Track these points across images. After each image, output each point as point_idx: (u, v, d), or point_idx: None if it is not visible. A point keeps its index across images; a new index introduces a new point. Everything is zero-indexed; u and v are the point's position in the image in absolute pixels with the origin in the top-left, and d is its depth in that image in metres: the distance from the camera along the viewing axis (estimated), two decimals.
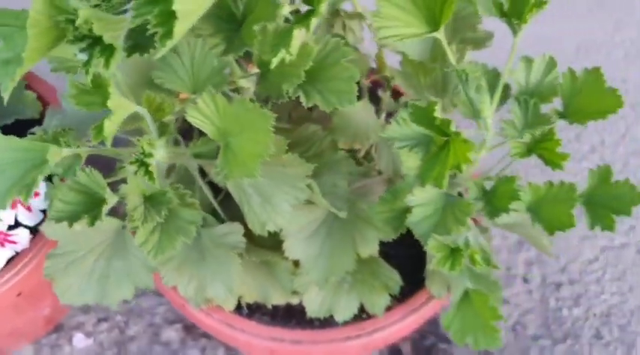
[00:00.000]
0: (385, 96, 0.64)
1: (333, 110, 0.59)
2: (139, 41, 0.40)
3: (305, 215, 0.60)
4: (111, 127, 0.42)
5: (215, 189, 0.68)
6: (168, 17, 0.34)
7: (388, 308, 0.69)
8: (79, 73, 0.43)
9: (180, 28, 0.34)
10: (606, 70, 1.34)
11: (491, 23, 0.71)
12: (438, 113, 0.45)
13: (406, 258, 0.74)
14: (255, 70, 0.58)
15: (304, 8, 0.44)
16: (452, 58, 0.52)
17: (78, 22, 0.36)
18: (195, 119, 0.47)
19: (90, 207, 0.49)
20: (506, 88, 0.57)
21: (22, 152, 0.46)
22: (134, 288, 0.62)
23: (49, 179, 0.67)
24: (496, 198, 0.52)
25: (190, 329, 1.00)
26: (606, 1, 1.40)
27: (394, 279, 0.63)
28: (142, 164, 0.47)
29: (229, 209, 0.65)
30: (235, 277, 0.60)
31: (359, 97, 0.61)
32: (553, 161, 0.50)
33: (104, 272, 0.63)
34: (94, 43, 0.38)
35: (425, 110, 0.45)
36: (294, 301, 0.67)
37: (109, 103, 0.40)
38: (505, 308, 1.02)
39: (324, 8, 0.36)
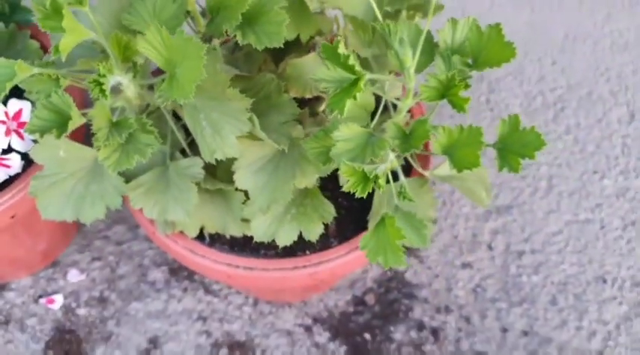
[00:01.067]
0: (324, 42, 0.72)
1: (288, 61, 0.68)
2: None
3: (255, 151, 0.68)
4: (66, 46, 0.50)
5: (188, 133, 0.77)
6: None
7: (336, 244, 0.77)
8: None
9: None
10: (591, 58, 1.40)
11: None
12: (341, 50, 0.53)
13: (358, 208, 0.82)
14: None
15: None
16: (379, 15, 0.60)
17: None
18: (144, 49, 0.56)
19: (60, 124, 0.58)
20: (433, 46, 0.64)
21: (9, 69, 0.55)
22: (105, 208, 0.72)
23: None
24: (412, 137, 0.60)
25: (175, 272, 1.09)
26: None
27: (329, 211, 0.71)
28: (98, 83, 0.56)
29: (197, 149, 0.74)
30: (192, 202, 0.69)
31: (310, 51, 0.70)
32: (458, 104, 0.57)
33: (81, 193, 0.72)
34: None
35: (333, 48, 0.53)
36: (250, 233, 0.76)
37: (64, 24, 0.49)
38: (468, 272, 1.09)
39: None
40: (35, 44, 0.87)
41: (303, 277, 0.77)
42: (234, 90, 0.60)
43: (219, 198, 0.74)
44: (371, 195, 0.70)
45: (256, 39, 0.56)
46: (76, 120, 0.57)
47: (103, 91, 0.55)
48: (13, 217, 0.83)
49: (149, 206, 0.71)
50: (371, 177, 0.56)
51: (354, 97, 0.52)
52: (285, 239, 0.70)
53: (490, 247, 1.13)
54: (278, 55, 0.77)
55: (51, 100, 0.58)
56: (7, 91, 0.54)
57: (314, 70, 0.70)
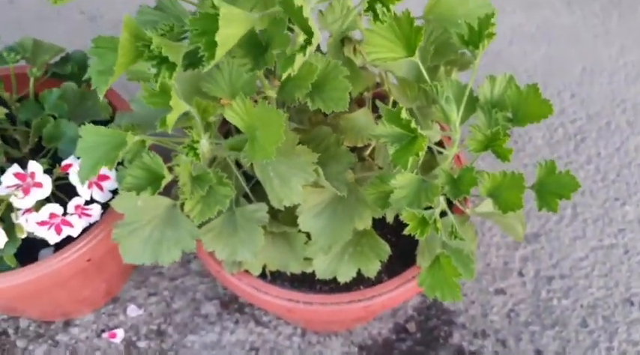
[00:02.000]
0: (380, 103, 0.81)
1: (341, 115, 0.76)
2: (192, 60, 0.57)
3: (316, 197, 0.76)
4: (171, 120, 0.59)
5: (247, 178, 0.85)
6: (211, 44, 0.51)
7: (386, 278, 0.85)
8: (149, 83, 0.61)
9: (219, 53, 0.51)
10: (608, 90, 1.48)
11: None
12: (404, 115, 0.61)
13: (406, 245, 0.89)
14: (277, 83, 0.75)
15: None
16: (427, 76, 0.68)
17: (152, 47, 0.53)
18: (230, 116, 0.64)
19: (152, 182, 0.66)
20: (474, 100, 0.72)
21: (106, 137, 0.63)
22: (181, 251, 0.80)
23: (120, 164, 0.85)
24: (461, 183, 0.67)
25: (226, 305, 1.17)
26: (612, 28, 1.53)
27: (384, 250, 0.79)
28: (192, 148, 0.64)
29: (258, 194, 0.82)
30: (259, 244, 0.77)
31: (361, 105, 0.78)
32: (502, 154, 0.65)
33: (158, 239, 0.80)
34: (162, 62, 0.55)
35: (395, 113, 0.61)
36: (309, 270, 0.84)
37: (171, 103, 0.57)
38: (501, 298, 1.16)
39: (316, 42, 0.53)
40: (105, 101, 0.96)
41: (357, 310, 0.85)
42: (302, 146, 0.68)
43: (281, 239, 0.81)
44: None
45: (324, 104, 0.64)
46: (167, 178, 0.66)
47: (196, 155, 0.64)
48: (88, 261, 0.91)
49: (219, 248, 0.79)
50: (430, 222, 0.64)
51: (417, 155, 0.60)
52: (344, 276, 0.78)
53: (521, 273, 1.19)
54: None
55: (143, 160, 0.66)
56: (120, 159, 0.63)
57: (366, 123, 0.78)
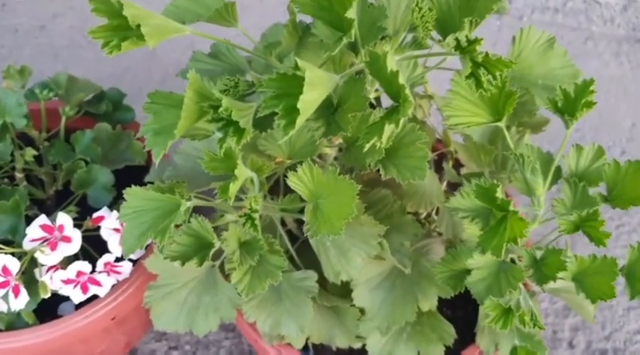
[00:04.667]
0: (448, 167, 0.73)
1: None
2: (259, 123, 0.50)
3: (372, 269, 0.69)
4: (234, 189, 0.52)
5: (291, 237, 0.78)
6: (292, 111, 0.44)
7: None
8: (209, 140, 0.54)
9: (300, 120, 0.44)
10: None
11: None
12: (499, 194, 0.53)
13: (456, 319, 0.81)
14: (338, 141, 0.68)
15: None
16: (511, 144, 0.61)
17: (221, 109, 0.46)
18: (294, 183, 0.57)
19: (199, 249, 0.59)
20: (558, 170, 0.65)
21: (155, 201, 0.56)
22: (219, 320, 0.72)
23: None
24: (545, 266, 0.59)
25: None
26: None
27: (449, 332, 0.70)
28: (249, 218, 0.57)
29: (304, 256, 0.74)
30: (307, 317, 0.69)
31: None
32: (597, 238, 0.57)
33: (194, 304, 0.72)
34: (229, 124, 0.48)
35: (487, 189, 0.54)
36: (356, 345, 0.75)
37: (236, 171, 0.50)
38: None
39: (409, 110, 0.46)
40: (139, 145, 0.89)
41: None
42: (367, 217, 0.61)
43: (329, 311, 0.73)
44: (472, 304, 0.70)
45: (398, 173, 0.57)
46: (216, 245, 0.58)
47: (254, 226, 0.56)
48: (113, 319, 0.83)
49: (262, 319, 0.71)
50: (517, 314, 0.56)
51: (514, 240, 0.52)
52: None
53: (571, 345, 1.10)
54: None
55: (191, 226, 0.59)
56: (175, 223, 0.55)
57: (431, 187, 0.71)
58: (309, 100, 0.44)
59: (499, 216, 0.54)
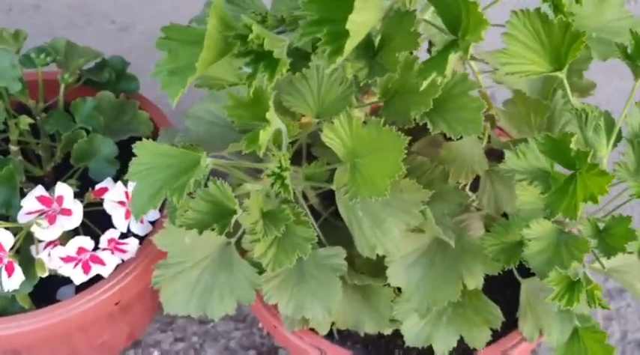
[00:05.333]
0: (490, 132, 0.66)
1: (439, 142, 0.61)
2: (292, 60, 0.43)
3: (408, 244, 0.61)
4: (265, 137, 0.44)
5: (314, 214, 0.70)
6: (338, 36, 0.37)
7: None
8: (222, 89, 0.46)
9: (350, 45, 0.37)
10: None
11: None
12: (573, 145, 0.46)
13: (500, 302, 0.74)
14: (371, 99, 0.61)
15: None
16: (571, 97, 0.53)
17: (250, 37, 0.39)
18: (329, 139, 0.50)
19: (218, 217, 0.52)
20: (619, 132, 0.57)
21: (170, 158, 0.49)
22: (236, 302, 0.64)
23: None
24: (611, 237, 0.52)
25: None
26: None
27: (495, 314, 0.63)
28: (279, 177, 0.49)
29: (328, 235, 0.67)
30: (335, 299, 0.61)
31: None
32: None
33: (208, 285, 0.65)
34: (259, 58, 0.41)
35: (559, 141, 0.47)
36: (387, 331, 0.68)
37: (268, 115, 0.43)
38: None
39: (483, 32, 0.38)
40: (145, 115, 0.82)
41: None
42: (409, 180, 0.53)
43: (356, 293, 0.66)
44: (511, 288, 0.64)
45: (449, 127, 0.49)
46: (238, 213, 0.51)
47: (285, 186, 0.49)
48: (117, 304, 0.76)
49: (284, 302, 0.64)
50: (586, 288, 0.48)
51: (589, 199, 0.45)
52: (442, 345, 0.63)
53: None
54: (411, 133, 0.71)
55: (208, 191, 0.52)
56: (196, 178, 0.48)
57: (472, 153, 0.64)
58: (360, 22, 0.37)
59: (561, 177, 0.47)
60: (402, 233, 0.57)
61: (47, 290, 0.77)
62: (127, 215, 0.71)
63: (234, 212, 0.51)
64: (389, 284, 0.62)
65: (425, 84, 0.40)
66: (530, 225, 0.51)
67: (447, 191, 0.59)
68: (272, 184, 0.49)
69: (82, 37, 1.33)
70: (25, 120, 0.76)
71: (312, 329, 0.70)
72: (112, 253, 0.71)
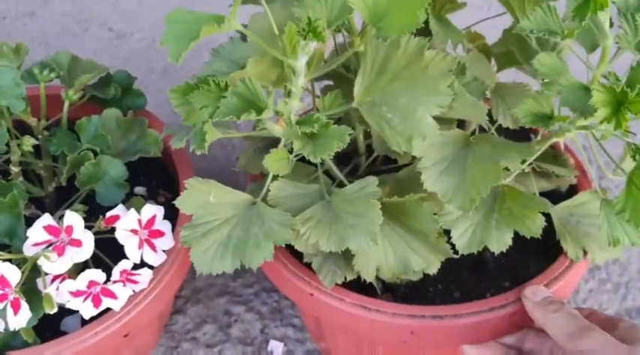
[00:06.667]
0: None
1: None
2: None
3: (436, 151, 0.60)
4: None
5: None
6: None
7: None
8: None
9: None
10: None
11: None
12: None
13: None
14: None
15: None
16: None
17: None
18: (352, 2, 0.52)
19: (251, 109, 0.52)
20: None
21: (200, 22, 0.49)
22: (272, 247, 0.61)
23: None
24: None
25: None
26: None
27: (541, 201, 0.62)
28: (313, 29, 0.50)
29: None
30: (377, 222, 0.59)
31: None
32: None
33: (241, 238, 0.62)
34: None
35: None
36: (434, 270, 0.64)
37: None
38: None
39: None
40: (154, 134, 0.78)
41: (502, 321, 0.65)
42: (432, 51, 0.55)
43: (396, 227, 0.64)
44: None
45: None
46: (270, 110, 0.51)
47: (319, 34, 0.49)
48: (126, 336, 0.69)
49: (324, 238, 0.61)
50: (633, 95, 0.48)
51: None
52: (499, 244, 0.60)
53: None
54: None
55: (238, 90, 0.52)
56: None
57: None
58: None
59: None
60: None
61: (51, 321, 0.69)
62: (140, 244, 0.67)
63: (266, 107, 0.51)
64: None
65: None
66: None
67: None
68: (304, 37, 0.50)
69: (78, 45, 1.29)
70: (28, 142, 0.73)
71: (349, 286, 0.66)
72: (124, 285, 0.66)
